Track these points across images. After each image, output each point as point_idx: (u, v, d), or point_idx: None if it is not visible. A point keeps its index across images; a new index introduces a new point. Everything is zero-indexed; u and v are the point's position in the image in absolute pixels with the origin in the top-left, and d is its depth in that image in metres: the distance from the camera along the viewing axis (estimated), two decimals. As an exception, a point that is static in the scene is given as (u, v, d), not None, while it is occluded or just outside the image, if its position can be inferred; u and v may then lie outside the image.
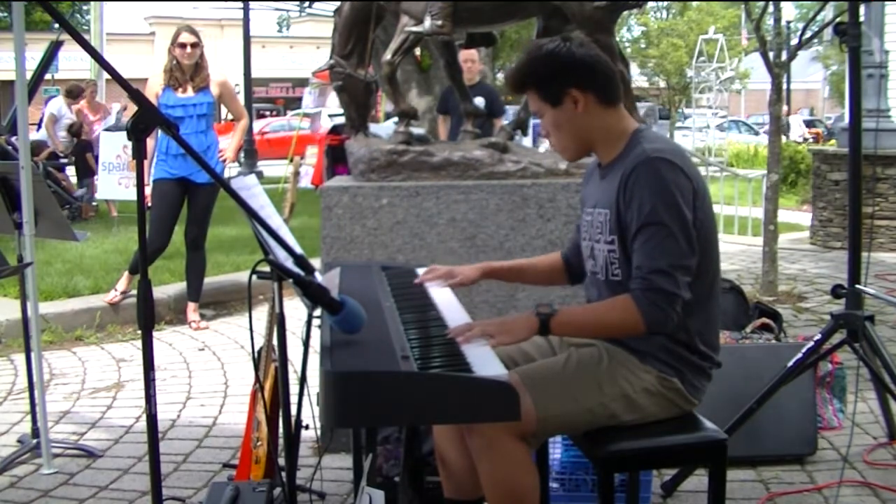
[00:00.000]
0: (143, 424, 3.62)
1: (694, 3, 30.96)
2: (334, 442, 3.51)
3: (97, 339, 5.54)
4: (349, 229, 3.49)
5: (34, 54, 5.02)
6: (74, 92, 11.29)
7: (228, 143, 6.04)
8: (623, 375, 2.23)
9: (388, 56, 3.70)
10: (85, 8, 30.31)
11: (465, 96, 4.00)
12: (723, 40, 20.60)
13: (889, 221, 8.46)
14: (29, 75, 4.32)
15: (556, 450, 3.00)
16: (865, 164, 4.99)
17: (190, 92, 5.62)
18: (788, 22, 22.23)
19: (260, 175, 14.39)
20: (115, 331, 5.69)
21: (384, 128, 8.63)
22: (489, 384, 1.82)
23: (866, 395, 3.89)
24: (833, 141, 14.33)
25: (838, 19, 5.34)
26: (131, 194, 8.57)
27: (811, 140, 23.58)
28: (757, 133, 25.76)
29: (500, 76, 14.42)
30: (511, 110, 7.59)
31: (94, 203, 10.68)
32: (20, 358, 4.73)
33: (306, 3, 30.15)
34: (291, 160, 8.56)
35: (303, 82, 22.90)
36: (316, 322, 2.11)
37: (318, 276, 1.98)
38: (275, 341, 2.72)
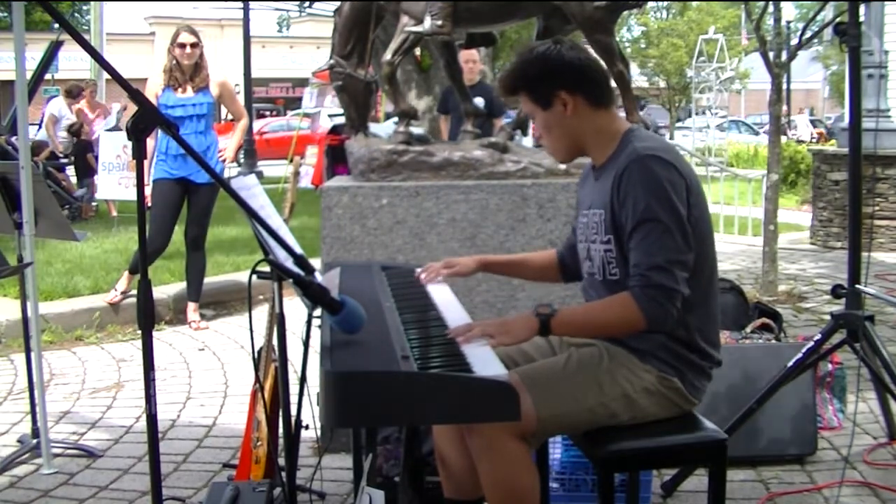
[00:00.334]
0: (143, 424, 3.62)
1: (694, 3, 30.94)
2: (334, 442, 3.51)
3: (97, 339, 5.54)
4: (349, 229, 3.49)
5: (34, 54, 5.02)
6: (74, 92, 11.30)
7: (228, 143, 6.05)
8: (623, 375, 2.23)
9: (388, 56, 3.70)
10: (85, 8, 30.33)
11: (465, 96, 4.00)
12: (723, 40, 20.60)
13: (889, 221, 8.46)
14: (29, 75, 4.31)
15: (556, 450, 3.00)
16: (865, 164, 4.99)
17: (189, 92, 5.62)
18: (788, 22, 22.23)
19: (260, 175, 14.39)
20: (115, 331, 5.69)
21: (384, 128, 8.63)
22: (489, 384, 1.83)
23: (866, 395, 3.89)
24: (833, 141, 14.33)
25: (838, 19, 5.34)
26: (131, 194, 8.58)
27: (815, 140, 23.58)
28: (757, 133, 25.75)
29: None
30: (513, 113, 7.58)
31: (94, 203, 10.68)
32: (20, 358, 4.73)
33: (306, 3, 30.13)
34: (291, 160, 8.56)
35: (303, 82, 22.89)
36: (316, 322, 2.11)
37: (318, 276, 1.98)
38: (275, 341, 2.73)
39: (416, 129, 4.51)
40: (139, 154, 1.92)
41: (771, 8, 6.75)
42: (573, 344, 2.36)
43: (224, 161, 5.98)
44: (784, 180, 12.19)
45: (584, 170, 2.53)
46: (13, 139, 8.75)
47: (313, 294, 1.91)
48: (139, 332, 1.99)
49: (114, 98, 14.83)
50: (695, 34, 25.90)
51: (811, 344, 3.24)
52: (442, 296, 2.51)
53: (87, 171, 10.52)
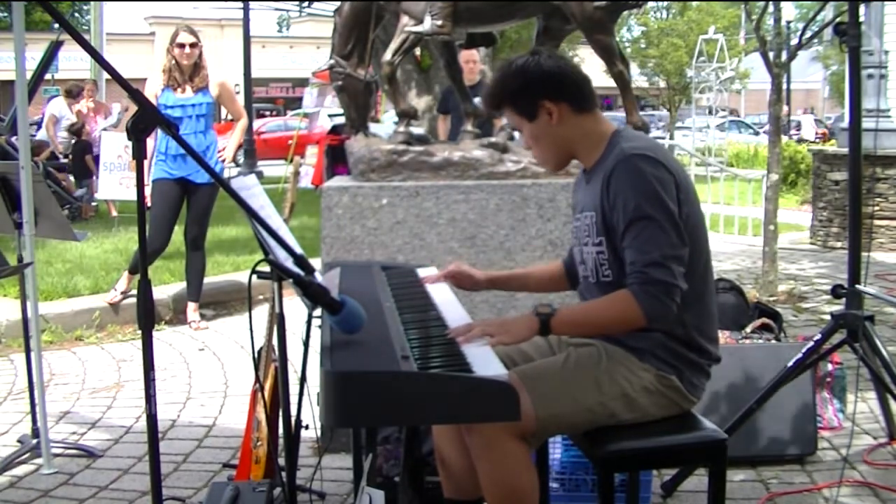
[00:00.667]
0: (143, 424, 3.62)
1: (694, 3, 30.89)
2: (334, 442, 3.51)
3: (97, 339, 5.54)
4: (349, 229, 3.49)
5: (34, 54, 5.00)
6: (74, 92, 11.29)
7: (228, 143, 6.05)
8: (622, 374, 2.24)
9: (388, 56, 3.70)
10: (85, 8, 30.33)
11: (466, 96, 3.99)
12: (723, 40, 20.57)
13: (889, 221, 8.46)
14: (29, 75, 4.31)
15: (556, 450, 3.00)
16: (865, 164, 4.99)
17: (189, 92, 5.62)
18: (788, 22, 22.19)
19: (260, 175, 14.39)
20: (115, 331, 5.69)
21: (384, 127, 8.63)
22: (489, 384, 1.82)
23: (866, 395, 3.89)
24: (833, 140, 14.33)
25: (838, 19, 5.34)
26: (131, 194, 8.58)
27: (819, 140, 23.56)
28: (757, 133, 25.74)
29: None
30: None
31: (94, 203, 10.68)
32: (20, 358, 4.73)
33: (306, 3, 30.10)
34: (291, 160, 8.56)
35: (303, 82, 22.86)
36: (316, 322, 2.11)
37: (318, 276, 1.98)
38: (275, 341, 2.73)
39: (416, 129, 4.51)
40: (139, 154, 1.92)
41: (771, 8, 6.75)
42: (572, 343, 2.37)
43: (223, 161, 5.98)
44: (784, 180, 12.19)
45: (577, 174, 2.54)
46: (13, 139, 8.74)
47: (313, 294, 1.91)
48: (139, 332, 1.99)
49: (114, 98, 14.81)
50: (695, 34, 25.86)
51: (811, 344, 3.24)
52: (442, 296, 2.51)
53: (85, 172, 10.51)
